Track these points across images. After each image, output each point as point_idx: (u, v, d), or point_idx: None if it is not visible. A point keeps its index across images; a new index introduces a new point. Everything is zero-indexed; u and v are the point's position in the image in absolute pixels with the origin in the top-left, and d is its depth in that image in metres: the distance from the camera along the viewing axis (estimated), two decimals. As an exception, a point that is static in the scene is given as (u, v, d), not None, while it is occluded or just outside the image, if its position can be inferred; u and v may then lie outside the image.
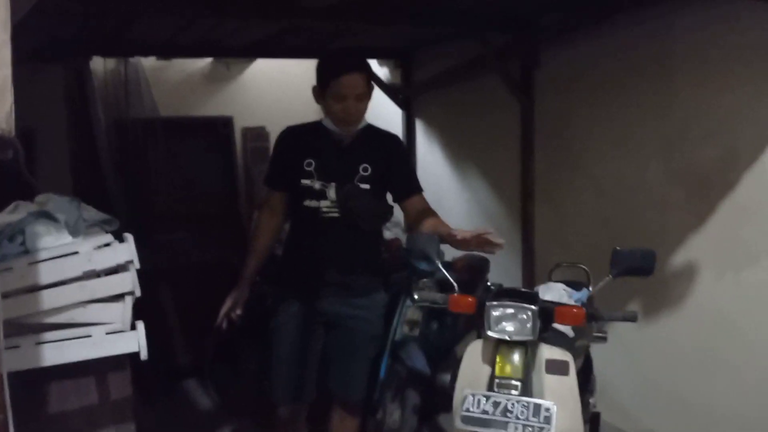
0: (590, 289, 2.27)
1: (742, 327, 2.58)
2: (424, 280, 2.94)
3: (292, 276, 2.39)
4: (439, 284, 2.86)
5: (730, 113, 2.58)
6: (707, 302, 2.70)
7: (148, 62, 4.66)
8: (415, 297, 2.27)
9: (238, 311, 2.39)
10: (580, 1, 2.96)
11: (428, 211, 2.31)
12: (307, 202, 2.25)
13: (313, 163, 2.24)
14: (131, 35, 3.64)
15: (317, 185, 2.24)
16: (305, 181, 2.24)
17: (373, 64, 4.76)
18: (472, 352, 1.98)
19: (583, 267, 2.71)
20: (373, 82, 2.31)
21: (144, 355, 1.41)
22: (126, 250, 1.43)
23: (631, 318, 1.92)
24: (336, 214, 2.24)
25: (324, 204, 2.24)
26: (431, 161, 4.59)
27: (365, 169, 2.26)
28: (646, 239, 2.81)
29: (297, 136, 2.35)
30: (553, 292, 2.24)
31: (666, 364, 2.90)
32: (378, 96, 4.73)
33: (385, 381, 2.82)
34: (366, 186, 2.25)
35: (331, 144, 2.29)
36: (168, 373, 3.67)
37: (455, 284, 2.02)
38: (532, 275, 3.63)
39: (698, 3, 2.61)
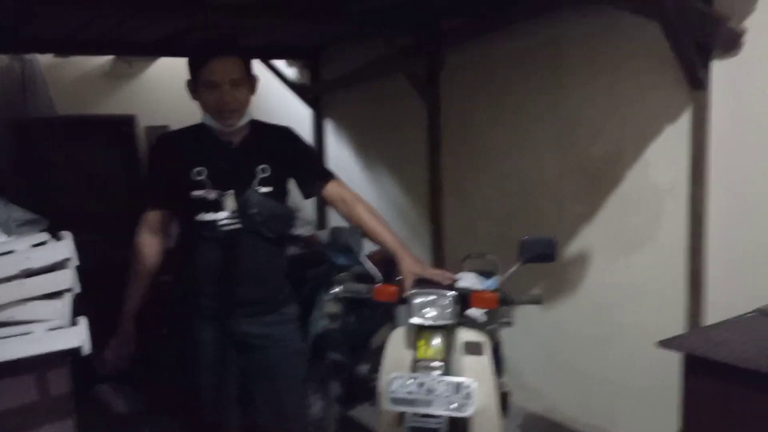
0: (499, 276, 2.47)
1: (633, 305, 2.88)
2: (343, 273, 3.06)
3: (193, 300, 2.10)
4: (357, 277, 2.98)
5: (615, 114, 2.86)
6: (601, 284, 2.99)
7: (45, 59, 4.47)
8: (340, 288, 2.37)
9: (125, 352, 2.13)
10: (481, 8, 3.17)
11: (358, 202, 2.17)
12: (202, 216, 1.99)
13: (205, 170, 1.98)
14: (28, 31, 3.50)
15: (212, 195, 1.99)
16: (197, 193, 1.98)
17: (281, 63, 4.81)
18: (395, 339, 2.11)
19: (492, 256, 2.92)
20: (255, 74, 2.08)
21: (87, 349, 1.43)
22: (65, 248, 1.45)
23: (537, 301, 2.13)
24: (237, 226, 2.01)
25: (222, 216, 1.99)
26: (341, 159, 4.70)
27: (264, 170, 2.04)
28: (545, 229, 3.06)
29: (178, 142, 2.07)
30: (467, 280, 2.41)
31: (566, 344, 3.17)
32: (286, 95, 4.80)
33: (306, 377, 2.93)
34: (268, 189, 2.04)
35: (220, 147, 2.03)
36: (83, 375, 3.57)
37: (380, 275, 2.14)
38: (442, 266, 3.83)
39: (586, 15, 2.87)
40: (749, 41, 2.32)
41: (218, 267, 2.03)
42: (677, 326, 2.68)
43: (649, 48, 2.64)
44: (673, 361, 2.72)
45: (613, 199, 2.93)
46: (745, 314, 2.19)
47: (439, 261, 3.87)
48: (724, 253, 2.49)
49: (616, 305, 2.94)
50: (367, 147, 4.53)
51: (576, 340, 3.12)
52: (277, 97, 4.81)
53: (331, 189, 2.17)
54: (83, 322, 1.46)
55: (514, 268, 2.12)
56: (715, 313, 2.49)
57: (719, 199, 2.49)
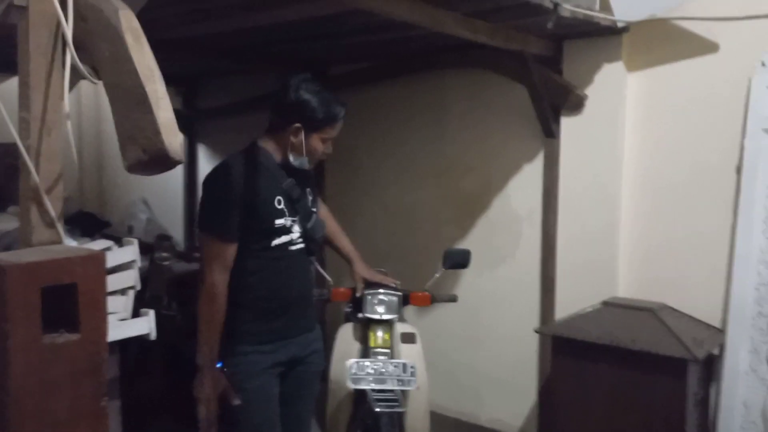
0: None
1: (497, 308, 3.56)
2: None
3: (259, 328, 2.07)
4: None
5: (485, 155, 3.56)
6: (471, 292, 3.63)
7: None
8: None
9: (237, 400, 1.99)
10: (369, 59, 3.72)
11: (329, 218, 2.46)
12: (277, 240, 2.05)
13: (282, 199, 2.05)
14: None
15: (289, 222, 2.07)
16: (280, 221, 2.05)
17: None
18: (344, 334, 2.52)
19: (383, 270, 3.43)
20: None
21: (153, 335, 1.65)
22: (131, 252, 1.65)
23: (454, 299, 2.68)
24: (300, 245, 2.12)
25: (293, 237, 2.08)
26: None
27: (310, 193, 2.20)
28: (425, 248, 3.68)
29: (248, 171, 2.01)
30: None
31: (442, 342, 3.74)
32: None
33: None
34: (315, 210, 2.21)
35: (285, 174, 2.09)
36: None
37: (331, 280, 2.54)
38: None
39: (461, 70, 3.56)
40: (589, 104, 3.12)
41: (285, 287, 2.07)
42: (533, 323, 3.40)
43: (515, 104, 3.38)
44: (531, 353, 3.46)
45: (481, 223, 3.61)
46: (593, 306, 2.94)
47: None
48: (570, 263, 3.25)
49: (484, 309, 3.60)
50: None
51: (449, 339, 3.72)
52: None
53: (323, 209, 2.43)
54: (151, 313, 1.68)
55: (438, 274, 2.65)
56: (561, 310, 3.22)
57: (565, 223, 3.26)
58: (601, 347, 2.68)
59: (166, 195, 5.41)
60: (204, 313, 1.97)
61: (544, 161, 3.34)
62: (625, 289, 3.09)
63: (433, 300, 2.58)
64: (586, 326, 2.79)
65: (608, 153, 3.08)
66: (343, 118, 2.08)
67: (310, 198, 2.18)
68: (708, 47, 2.83)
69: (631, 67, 3.02)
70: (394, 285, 2.51)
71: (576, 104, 3.14)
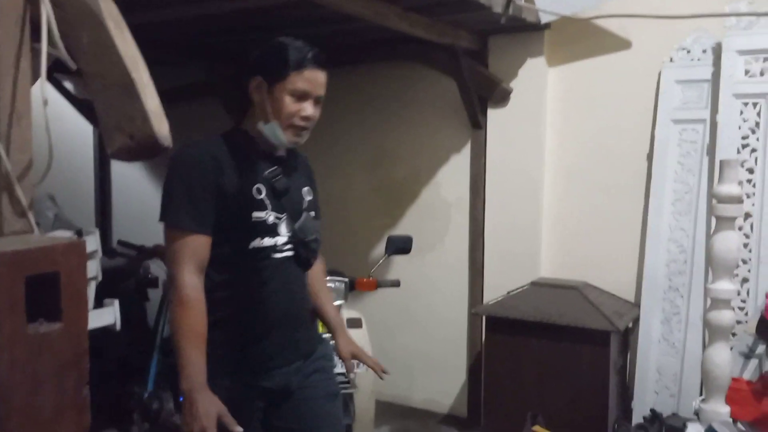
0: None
1: (427, 295, 3.69)
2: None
3: (232, 354, 1.65)
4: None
5: (414, 145, 3.68)
6: (404, 277, 3.73)
7: None
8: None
9: (237, 427, 1.52)
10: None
11: (321, 262, 1.94)
12: (257, 242, 1.65)
13: (263, 189, 1.66)
14: None
15: (271, 218, 1.66)
16: (258, 214, 1.64)
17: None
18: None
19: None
20: None
21: (118, 326, 1.61)
22: (93, 242, 1.60)
23: (397, 284, 2.77)
24: (289, 253, 1.70)
25: (279, 241, 1.68)
26: (128, 176, 4.76)
27: (309, 193, 1.80)
28: (358, 236, 3.76)
29: (222, 153, 1.65)
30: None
31: (375, 327, 3.82)
32: (67, 110, 4.69)
33: (158, 374, 3.12)
34: (313, 214, 1.79)
35: (271, 162, 1.71)
36: None
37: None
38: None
39: (399, 66, 3.65)
40: (513, 96, 3.30)
41: (268, 302, 1.67)
42: (463, 305, 3.56)
43: (444, 97, 3.51)
44: (461, 334, 3.62)
45: (411, 211, 3.73)
46: (522, 287, 3.12)
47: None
48: (497, 247, 3.43)
49: (415, 294, 3.72)
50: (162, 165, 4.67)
51: (383, 323, 3.82)
52: (53, 111, 4.66)
53: None
54: (115, 303, 1.64)
55: (382, 260, 2.73)
56: (490, 292, 3.40)
57: (492, 209, 3.43)
58: (532, 324, 2.87)
59: (75, 190, 5.17)
60: (178, 325, 1.55)
61: (471, 151, 3.50)
62: (549, 270, 3.30)
63: (378, 285, 2.66)
64: (517, 305, 2.97)
65: (532, 143, 3.28)
66: (316, 66, 1.64)
67: (307, 199, 1.78)
68: (622, 44, 3.07)
69: (552, 62, 3.22)
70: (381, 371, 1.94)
71: (502, 97, 3.31)
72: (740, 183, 2.37)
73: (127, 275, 3.69)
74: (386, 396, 3.82)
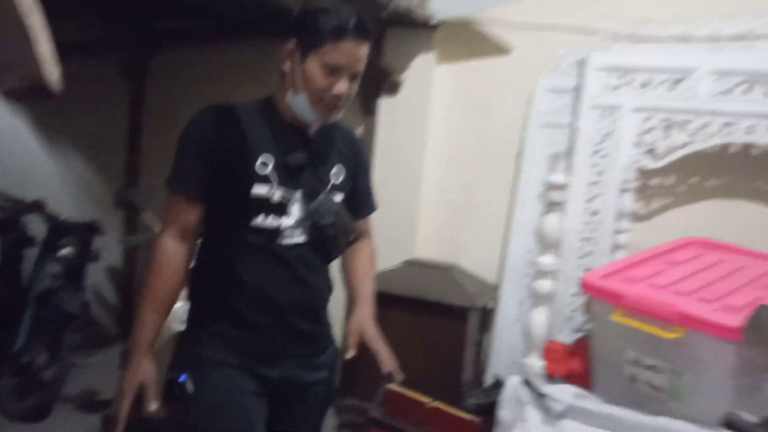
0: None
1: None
2: (68, 237, 3.30)
3: (230, 334, 1.54)
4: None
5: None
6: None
7: None
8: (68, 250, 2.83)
9: (153, 405, 1.45)
10: (199, 17, 3.79)
11: (371, 243, 1.85)
12: (260, 221, 1.50)
13: (271, 162, 1.50)
14: None
15: (277, 195, 1.50)
16: (259, 189, 1.49)
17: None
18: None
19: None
20: None
21: None
22: None
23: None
24: (300, 239, 1.54)
25: (287, 223, 1.52)
26: (18, 140, 4.58)
27: (337, 175, 1.61)
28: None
29: (236, 119, 1.53)
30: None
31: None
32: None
33: (31, 328, 3.10)
34: (339, 197, 1.60)
35: (292, 134, 1.55)
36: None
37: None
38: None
39: (244, 43, 3.76)
40: (403, 88, 3.52)
41: (271, 290, 1.53)
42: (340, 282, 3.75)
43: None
44: (339, 311, 3.79)
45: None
46: (396, 265, 3.36)
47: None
48: (376, 228, 3.62)
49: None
50: (55, 128, 4.54)
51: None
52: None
53: (364, 222, 1.82)
54: None
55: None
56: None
57: (381, 189, 3.62)
58: (401, 298, 3.10)
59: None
60: (145, 286, 1.50)
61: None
62: (423, 252, 3.56)
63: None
64: (389, 281, 3.19)
65: (416, 133, 3.51)
66: (356, 37, 1.45)
67: (335, 179, 1.59)
68: (503, 50, 3.36)
69: (441, 60, 3.47)
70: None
71: (392, 87, 3.52)
72: (590, 178, 2.70)
73: (1, 229, 3.59)
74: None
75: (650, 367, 1.75)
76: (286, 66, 1.50)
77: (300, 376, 1.59)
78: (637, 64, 2.96)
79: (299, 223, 1.52)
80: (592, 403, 1.77)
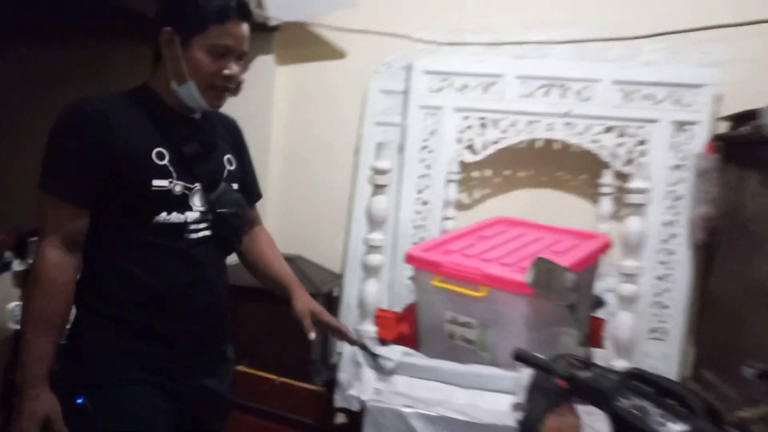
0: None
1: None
2: None
3: (132, 349, 1.40)
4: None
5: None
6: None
7: None
8: None
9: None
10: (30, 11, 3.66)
11: (264, 228, 1.81)
12: (163, 217, 1.40)
13: (166, 154, 1.41)
14: None
15: (178, 188, 1.41)
16: (159, 183, 1.38)
17: None
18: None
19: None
20: None
21: None
22: None
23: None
24: (207, 232, 1.46)
25: (191, 217, 1.43)
26: None
27: (230, 162, 1.56)
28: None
29: (117, 111, 1.39)
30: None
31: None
32: None
33: None
34: (236, 186, 1.55)
35: (181, 124, 1.46)
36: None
37: None
38: None
39: (125, 40, 3.74)
40: (246, 88, 3.59)
41: (185, 295, 1.43)
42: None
43: (180, 80, 3.72)
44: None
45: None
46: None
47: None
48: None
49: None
50: None
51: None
52: None
53: (255, 207, 1.78)
54: None
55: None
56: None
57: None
58: (250, 289, 3.21)
59: None
60: (28, 306, 1.34)
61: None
62: (270, 246, 3.70)
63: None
64: (234, 273, 3.29)
65: (260, 130, 3.65)
66: (239, 17, 1.40)
67: (229, 168, 1.54)
68: (339, 54, 3.61)
69: (280, 61, 3.64)
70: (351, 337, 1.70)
71: (236, 87, 3.62)
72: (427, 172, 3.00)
73: None
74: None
75: (464, 324, 2.05)
76: (166, 54, 1.40)
77: (210, 386, 1.51)
78: (456, 69, 3.34)
79: (204, 216, 1.44)
80: (418, 359, 2.03)
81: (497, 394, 1.90)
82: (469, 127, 3.35)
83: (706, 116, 3.06)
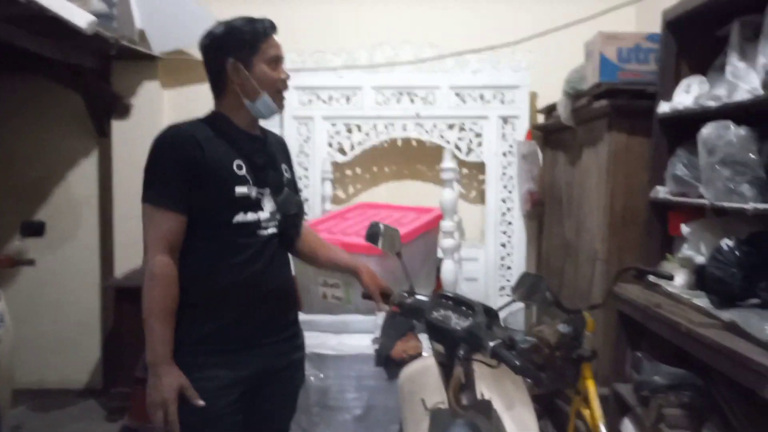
0: None
1: (60, 284, 4.13)
2: None
3: (217, 333, 1.66)
4: None
5: (45, 149, 4.11)
6: (36, 271, 4.09)
7: None
8: None
9: (200, 401, 1.60)
10: None
11: (309, 229, 1.99)
12: (241, 217, 1.66)
13: (243, 165, 1.68)
14: None
15: (254, 193, 1.68)
16: (241, 189, 1.65)
17: None
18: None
19: None
20: None
21: None
22: None
23: (32, 263, 3.22)
24: (273, 230, 1.73)
25: (263, 216, 1.70)
26: None
27: (286, 171, 1.84)
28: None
29: (201, 134, 1.65)
30: None
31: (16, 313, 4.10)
32: None
33: None
34: (292, 191, 1.84)
35: (248, 138, 1.74)
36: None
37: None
38: None
39: (16, 74, 4.02)
40: (134, 111, 4.02)
41: (256, 281, 1.68)
42: (96, 289, 4.11)
43: (71, 108, 4.05)
44: (94, 317, 4.13)
45: (44, 210, 4.14)
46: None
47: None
48: (124, 238, 4.07)
49: (48, 284, 4.12)
50: None
51: (16, 317, 4.10)
52: None
53: None
54: None
55: (17, 240, 3.17)
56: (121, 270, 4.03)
57: (120, 204, 4.08)
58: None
59: None
60: (147, 302, 1.57)
61: (99, 156, 4.11)
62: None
63: (14, 263, 3.10)
64: (138, 278, 3.67)
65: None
66: (273, 30, 1.72)
67: (286, 176, 1.83)
68: (217, 76, 4.06)
69: (166, 85, 4.06)
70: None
71: (124, 111, 4.01)
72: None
73: None
74: (20, 383, 4.09)
75: (333, 285, 2.58)
76: (236, 80, 1.67)
77: (272, 365, 1.74)
78: (322, 84, 3.89)
79: (273, 216, 1.71)
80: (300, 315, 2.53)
81: (360, 335, 2.44)
82: (337, 132, 3.91)
83: (525, 111, 3.79)
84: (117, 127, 4.05)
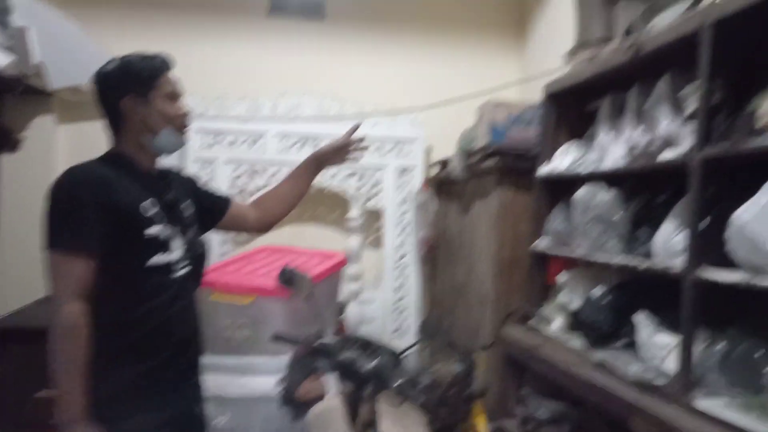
0: None
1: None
2: None
3: (142, 378, 1.60)
4: None
5: None
6: None
7: None
8: None
9: None
10: None
11: (244, 204, 2.02)
12: (155, 260, 1.60)
13: (153, 204, 1.63)
14: None
15: (164, 233, 1.62)
16: (152, 230, 1.59)
17: None
18: None
19: None
20: None
21: None
22: None
23: None
24: (186, 269, 1.69)
25: (174, 257, 1.65)
26: None
27: (191, 207, 1.80)
28: None
29: (106, 173, 1.58)
30: None
31: None
32: None
33: None
34: (197, 228, 1.80)
35: (154, 180, 1.70)
36: None
37: None
38: None
39: None
40: (26, 145, 3.89)
41: (172, 324, 1.64)
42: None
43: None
44: None
45: None
46: (29, 303, 3.68)
47: None
48: (8, 269, 3.88)
49: None
50: None
51: None
52: None
53: (236, 204, 1.99)
54: None
55: None
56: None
57: (11, 233, 3.89)
58: (36, 331, 3.44)
59: None
60: (62, 354, 1.47)
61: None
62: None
63: None
64: (23, 318, 3.51)
65: (42, 186, 3.88)
66: (169, 64, 1.69)
67: (191, 211, 1.78)
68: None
69: (62, 120, 3.96)
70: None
71: (14, 144, 3.86)
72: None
73: None
74: None
75: (240, 326, 2.63)
76: (134, 117, 1.63)
77: (195, 407, 1.76)
78: (225, 128, 3.97)
79: (185, 254, 1.67)
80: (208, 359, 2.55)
81: (266, 376, 2.50)
82: (239, 176, 3.98)
83: (420, 162, 4.05)
84: (8, 160, 3.89)
